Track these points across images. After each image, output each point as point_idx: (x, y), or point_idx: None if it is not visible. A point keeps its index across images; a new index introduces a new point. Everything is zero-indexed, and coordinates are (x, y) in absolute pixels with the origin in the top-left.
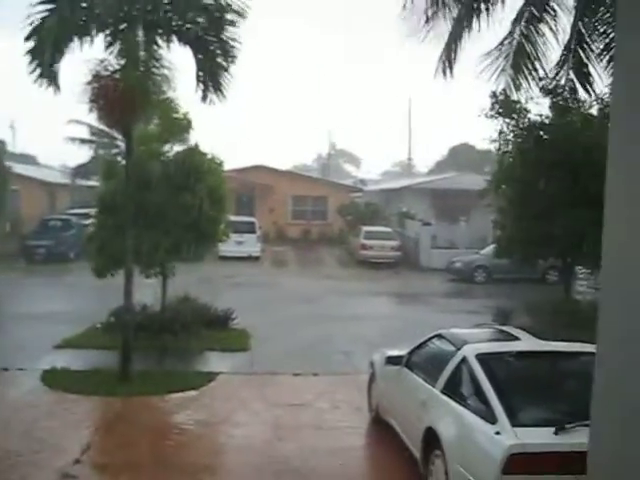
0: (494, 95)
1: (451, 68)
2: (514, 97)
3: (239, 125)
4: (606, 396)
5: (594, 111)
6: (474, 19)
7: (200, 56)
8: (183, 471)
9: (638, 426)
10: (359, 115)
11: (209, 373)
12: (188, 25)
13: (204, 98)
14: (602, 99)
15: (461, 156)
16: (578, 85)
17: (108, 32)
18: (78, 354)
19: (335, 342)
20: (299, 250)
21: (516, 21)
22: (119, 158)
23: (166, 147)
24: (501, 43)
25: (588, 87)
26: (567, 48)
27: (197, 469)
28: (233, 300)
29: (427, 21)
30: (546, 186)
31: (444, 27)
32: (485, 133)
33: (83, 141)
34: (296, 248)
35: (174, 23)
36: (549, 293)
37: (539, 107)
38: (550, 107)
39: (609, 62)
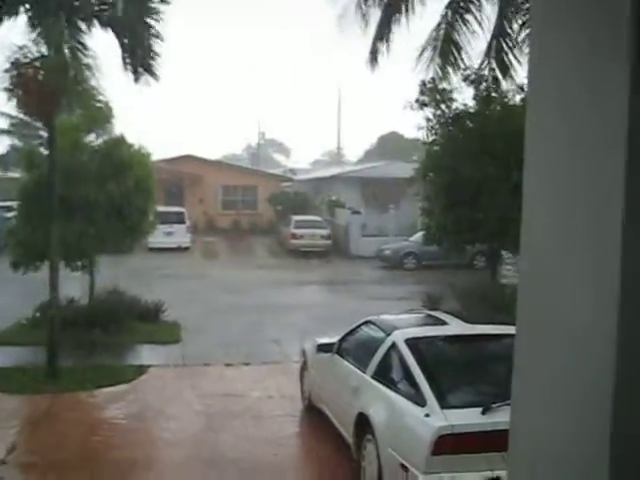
0: (423, 84)
1: (375, 59)
2: (442, 86)
3: (168, 115)
4: (524, 374)
5: (518, 100)
6: (404, 10)
7: (125, 40)
8: (115, 467)
9: (554, 403)
10: (289, 104)
11: (140, 366)
12: (107, 7)
13: (136, 80)
14: (522, 88)
15: (390, 145)
16: (500, 75)
17: (28, 16)
18: (3, 351)
19: (267, 331)
20: (229, 240)
21: (444, 11)
22: (41, 149)
23: (90, 137)
24: (432, 33)
25: (509, 77)
26: (491, 38)
27: (129, 464)
28: (163, 292)
29: (359, 13)
30: (472, 174)
31: (374, 18)
32: (414, 122)
33: (1, 131)
34: (226, 238)
35: (96, 8)
36: (477, 278)
37: (465, 96)
38: (474, 97)
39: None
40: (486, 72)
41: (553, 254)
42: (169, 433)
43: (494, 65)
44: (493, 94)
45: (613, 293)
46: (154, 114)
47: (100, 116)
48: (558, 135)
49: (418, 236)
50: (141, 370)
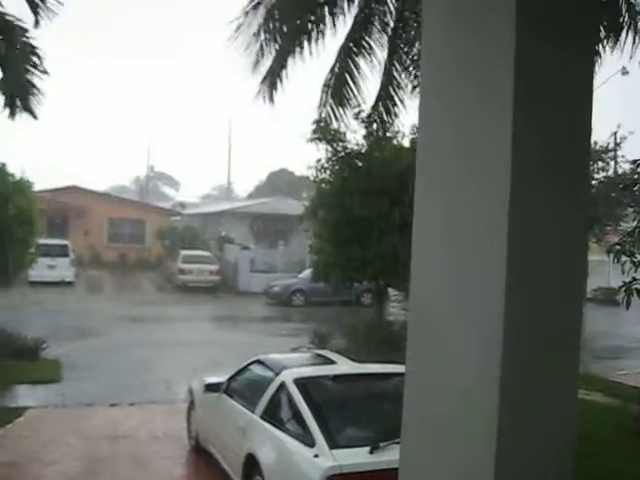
0: (316, 122)
1: (272, 95)
2: (333, 126)
3: (52, 145)
4: (414, 413)
5: (406, 142)
6: (298, 49)
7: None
8: None
9: (442, 442)
10: (179, 138)
11: (16, 408)
12: None
13: (11, 115)
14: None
15: (280, 181)
16: (389, 117)
17: None
18: None
19: (154, 370)
20: (116, 275)
21: (338, 52)
22: None
23: None
24: (327, 74)
25: (397, 119)
26: (381, 83)
27: None
28: (44, 328)
29: (250, 48)
30: (362, 212)
31: (269, 55)
32: (304, 159)
33: None
34: (113, 273)
35: None
36: (364, 315)
37: (357, 136)
38: (364, 137)
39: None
40: (376, 114)
41: (441, 297)
42: None
43: (382, 108)
44: (382, 135)
45: (496, 336)
46: (38, 143)
47: None
48: (447, 171)
49: (307, 273)
50: (17, 412)
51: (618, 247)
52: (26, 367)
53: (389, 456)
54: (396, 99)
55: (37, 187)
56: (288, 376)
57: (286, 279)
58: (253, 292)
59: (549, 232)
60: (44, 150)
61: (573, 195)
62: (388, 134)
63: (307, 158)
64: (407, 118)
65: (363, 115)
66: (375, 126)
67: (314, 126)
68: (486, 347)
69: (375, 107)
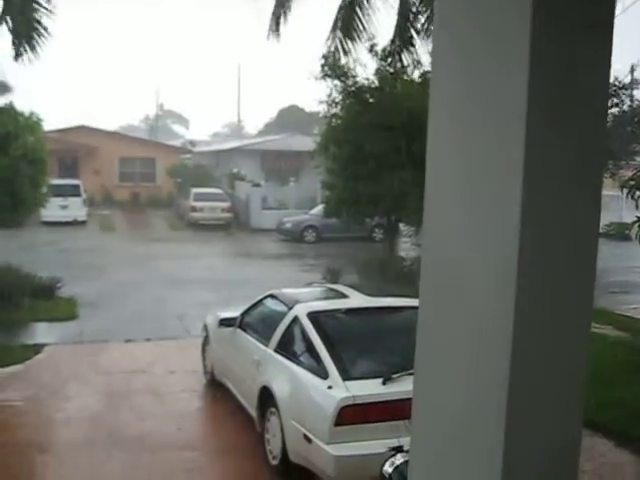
0: (324, 57)
1: (277, 30)
2: (343, 60)
3: (61, 83)
4: (426, 345)
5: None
6: None
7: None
8: (9, 450)
9: (452, 374)
10: (188, 75)
11: (35, 345)
12: None
13: (17, 56)
14: (420, 63)
15: (290, 118)
16: (403, 50)
17: None
18: None
19: (169, 306)
20: (127, 213)
21: None
22: None
23: None
24: (338, 7)
25: (411, 53)
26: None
27: (25, 447)
28: (59, 267)
29: None
30: (373, 148)
31: None
32: (314, 95)
33: None
34: (124, 211)
35: None
36: (376, 250)
37: (368, 71)
38: (375, 72)
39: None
40: (390, 48)
41: (456, 235)
42: (67, 413)
43: (398, 42)
44: (394, 70)
45: (511, 273)
46: (47, 83)
47: None
48: (461, 112)
49: (318, 209)
50: (36, 349)
51: (632, 182)
52: (42, 306)
53: (401, 387)
54: (412, 32)
55: (46, 127)
56: (301, 310)
57: (298, 215)
58: (265, 229)
59: (565, 170)
60: (53, 90)
61: (590, 139)
62: (400, 69)
63: (317, 94)
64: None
65: (377, 48)
66: (390, 60)
67: (323, 61)
68: (500, 281)
69: (393, 41)
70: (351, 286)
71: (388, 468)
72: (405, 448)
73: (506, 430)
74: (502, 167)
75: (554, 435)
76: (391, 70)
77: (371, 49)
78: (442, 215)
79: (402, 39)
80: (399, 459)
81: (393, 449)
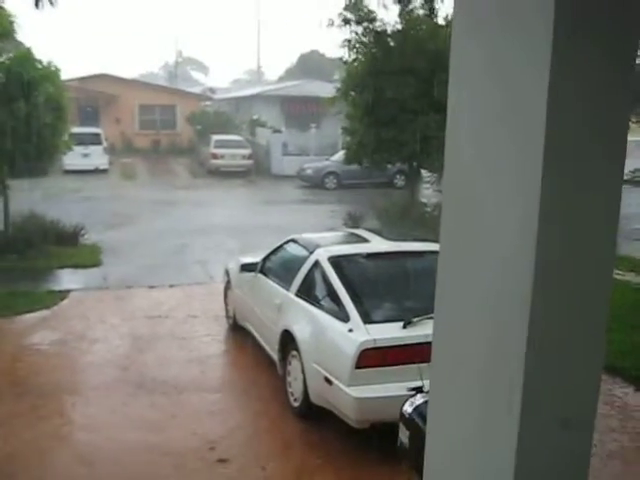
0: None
1: None
2: (365, 2)
3: (81, 31)
4: (446, 289)
5: (441, 21)
6: None
7: None
8: (40, 392)
9: (475, 319)
10: (207, 21)
11: (60, 291)
12: None
13: (37, 3)
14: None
15: (311, 63)
16: None
17: None
18: None
19: (191, 253)
20: (148, 161)
21: None
22: None
23: None
24: None
25: None
26: None
27: (54, 388)
28: (82, 215)
29: None
30: (394, 93)
31: None
32: (335, 41)
33: None
34: (145, 159)
35: None
36: (397, 197)
37: (388, 14)
38: (399, 15)
39: None
40: None
41: (477, 175)
42: (94, 356)
43: None
44: (417, 13)
45: (533, 216)
46: (67, 29)
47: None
48: (482, 59)
49: (339, 155)
50: (62, 295)
51: None
52: (67, 253)
53: (422, 331)
54: None
55: (66, 75)
56: (322, 254)
57: (319, 162)
58: (286, 175)
59: (587, 119)
60: (72, 38)
61: (614, 91)
62: (423, 11)
63: (339, 39)
64: None
65: None
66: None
67: (345, 4)
68: (522, 225)
69: None
70: (372, 230)
71: (408, 407)
72: (425, 389)
73: (526, 369)
74: (524, 112)
75: (574, 379)
76: (414, 13)
77: None
78: (463, 156)
79: None
80: (419, 399)
81: (413, 389)
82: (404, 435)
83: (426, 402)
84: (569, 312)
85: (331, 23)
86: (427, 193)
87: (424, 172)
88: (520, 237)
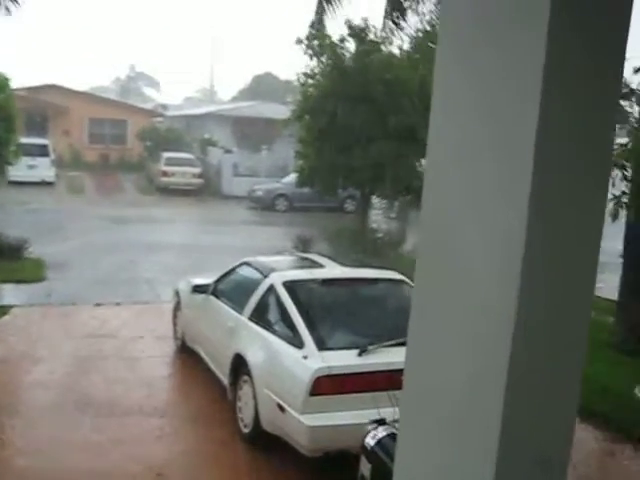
0: (311, 25)
1: None
2: (326, 33)
3: (31, 42)
4: (421, 317)
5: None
6: None
7: None
8: None
9: (447, 346)
10: (160, 37)
11: (2, 307)
12: None
13: None
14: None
15: (264, 85)
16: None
17: None
18: None
19: (138, 270)
20: (97, 176)
21: None
22: None
23: None
24: None
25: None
26: None
27: None
28: (27, 228)
29: None
30: (349, 119)
31: None
32: (290, 63)
33: None
34: (94, 174)
35: None
36: (348, 221)
37: (347, 43)
38: (355, 43)
39: None
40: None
41: (457, 216)
42: (36, 376)
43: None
44: (374, 40)
45: (516, 266)
46: (15, 40)
47: None
48: (467, 86)
49: (290, 178)
50: (3, 310)
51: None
52: (10, 266)
53: (377, 359)
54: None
55: (15, 85)
56: (277, 279)
57: (269, 184)
58: (236, 196)
59: (574, 140)
60: (23, 49)
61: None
62: (379, 41)
63: (294, 62)
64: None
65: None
66: (370, 33)
67: (308, 37)
68: (505, 255)
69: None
70: (327, 256)
71: (370, 440)
72: (388, 421)
73: (504, 409)
74: (513, 133)
75: (552, 419)
76: (371, 42)
77: (350, 27)
78: (442, 185)
79: (389, 11)
80: (381, 432)
81: (375, 421)
82: (365, 468)
83: (389, 435)
84: (549, 352)
85: (286, 46)
86: (377, 219)
87: (374, 198)
88: (503, 271)
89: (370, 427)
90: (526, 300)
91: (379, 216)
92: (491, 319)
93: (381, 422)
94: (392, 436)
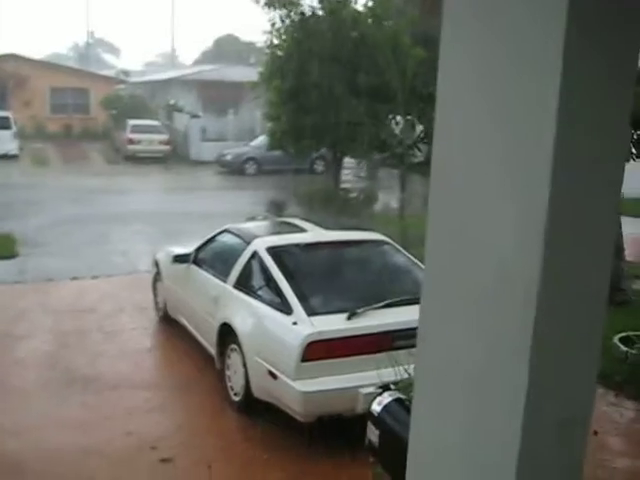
0: None
1: None
2: None
3: None
4: (434, 279)
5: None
6: None
7: None
8: None
9: (455, 304)
10: (118, 1)
11: None
12: None
13: None
14: None
15: (227, 47)
16: None
17: None
18: None
19: (112, 242)
20: (61, 147)
21: None
22: None
23: None
24: None
25: None
26: None
27: None
28: None
29: None
30: (318, 79)
31: None
32: (251, 24)
33: None
34: (58, 144)
35: None
36: (319, 183)
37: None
38: (320, 1)
39: None
40: None
41: (471, 168)
42: (18, 354)
43: None
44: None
45: (540, 216)
46: None
47: None
48: (477, 44)
49: (259, 141)
50: None
51: None
52: None
53: (367, 322)
54: None
55: None
56: (260, 245)
57: (238, 147)
58: (205, 161)
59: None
60: None
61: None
62: None
63: (255, 23)
64: None
65: None
66: None
67: None
68: (526, 225)
69: None
70: (309, 220)
71: (376, 406)
72: (392, 387)
73: (530, 370)
74: (534, 102)
75: (574, 379)
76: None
77: None
78: (453, 149)
79: None
80: (386, 397)
81: (380, 387)
82: (373, 434)
83: (395, 400)
84: (571, 313)
85: (256, 1)
86: (347, 179)
87: (347, 159)
88: (524, 237)
89: (376, 393)
90: (550, 263)
91: (349, 176)
92: (515, 281)
93: (386, 388)
94: (398, 401)
